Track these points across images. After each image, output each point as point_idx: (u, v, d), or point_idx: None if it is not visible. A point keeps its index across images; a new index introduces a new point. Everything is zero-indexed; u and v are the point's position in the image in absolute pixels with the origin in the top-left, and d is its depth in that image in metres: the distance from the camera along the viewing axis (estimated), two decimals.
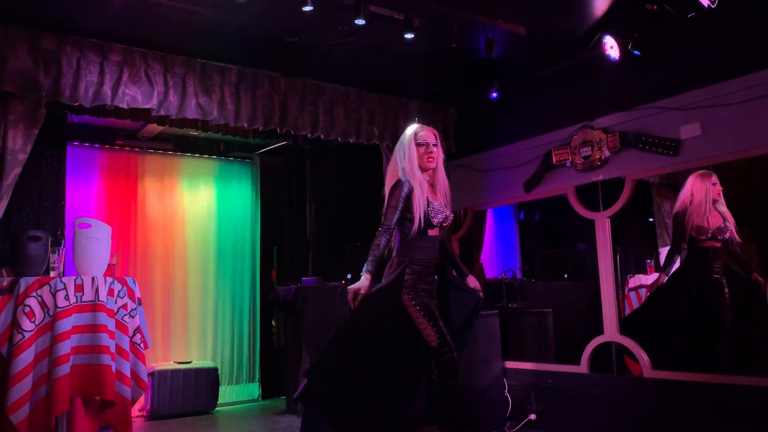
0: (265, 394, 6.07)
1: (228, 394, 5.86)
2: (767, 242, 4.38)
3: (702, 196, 4.13)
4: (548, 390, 4.42)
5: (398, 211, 3.12)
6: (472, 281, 3.42)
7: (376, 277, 3.09)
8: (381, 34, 4.04)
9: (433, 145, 3.21)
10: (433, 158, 3.20)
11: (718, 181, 4.15)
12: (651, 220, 4.99)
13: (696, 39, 3.93)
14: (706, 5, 3.40)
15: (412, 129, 3.26)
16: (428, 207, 3.13)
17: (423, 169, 3.20)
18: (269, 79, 4.63)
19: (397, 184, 3.15)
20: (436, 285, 3.26)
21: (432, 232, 3.19)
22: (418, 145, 3.19)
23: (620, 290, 4.51)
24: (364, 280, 3.02)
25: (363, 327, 3.04)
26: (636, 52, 3.98)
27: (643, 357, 4.05)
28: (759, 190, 4.26)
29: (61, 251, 3.79)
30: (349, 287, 3.03)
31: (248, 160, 6.35)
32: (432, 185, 3.27)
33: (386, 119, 5.17)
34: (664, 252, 4.75)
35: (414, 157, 3.17)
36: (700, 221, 4.13)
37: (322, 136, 4.88)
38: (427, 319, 3.09)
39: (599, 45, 4.06)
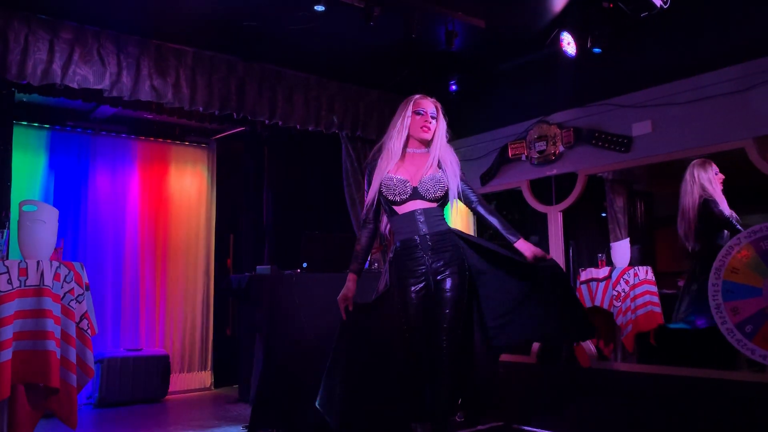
0: (218, 382, 6.00)
1: (179, 382, 5.76)
2: None
3: (713, 185, 3.96)
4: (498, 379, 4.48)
5: (369, 199, 2.88)
6: (524, 247, 2.82)
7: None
8: (342, 21, 4.01)
9: (432, 116, 2.87)
10: (429, 129, 2.84)
11: (718, 170, 4.00)
12: (604, 215, 5.09)
13: (649, 39, 4.02)
14: (658, 5, 3.48)
15: (410, 98, 2.93)
16: (383, 182, 2.80)
17: (415, 139, 2.88)
18: (227, 63, 4.55)
19: (366, 171, 2.95)
20: (431, 267, 2.74)
21: (403, 209, 2.79)
22: (415, 113, 2.86)
23: (572, 283, 4.60)
24: (347, 282, 2.84)
25: (368, 341, 2.81)
26: (596, 49, 4.04)
27: (591, 348, 4.16)
28: None
29: (5, 234, 3.66)
30: (338, 298, 2.82)
31: (205, 145, 6.23)
32: (426, 156, 2.89)
33: (346, 108, 5.14)
34: (615, 247, 4.84)
35: (407, 125, 2.85)
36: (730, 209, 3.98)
37: (280, 123, 4.83)
38: (400, 316, 2.74)
39: (557, 41, 4.12)
